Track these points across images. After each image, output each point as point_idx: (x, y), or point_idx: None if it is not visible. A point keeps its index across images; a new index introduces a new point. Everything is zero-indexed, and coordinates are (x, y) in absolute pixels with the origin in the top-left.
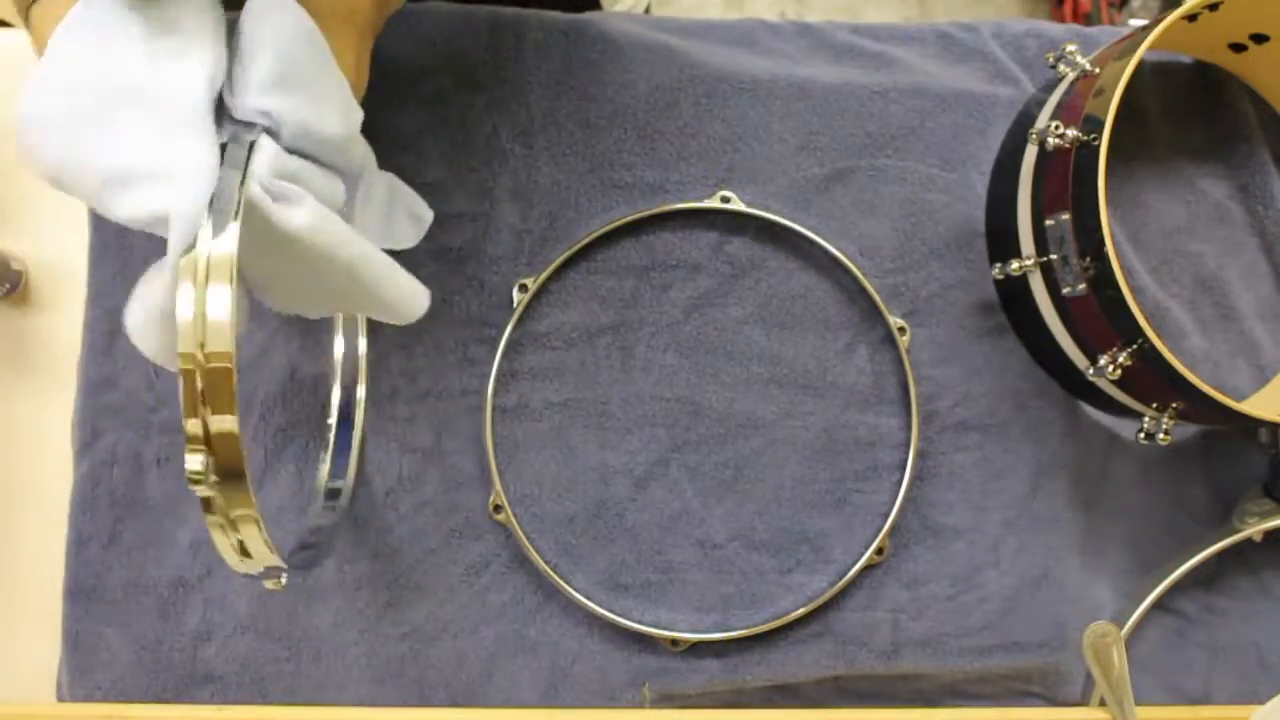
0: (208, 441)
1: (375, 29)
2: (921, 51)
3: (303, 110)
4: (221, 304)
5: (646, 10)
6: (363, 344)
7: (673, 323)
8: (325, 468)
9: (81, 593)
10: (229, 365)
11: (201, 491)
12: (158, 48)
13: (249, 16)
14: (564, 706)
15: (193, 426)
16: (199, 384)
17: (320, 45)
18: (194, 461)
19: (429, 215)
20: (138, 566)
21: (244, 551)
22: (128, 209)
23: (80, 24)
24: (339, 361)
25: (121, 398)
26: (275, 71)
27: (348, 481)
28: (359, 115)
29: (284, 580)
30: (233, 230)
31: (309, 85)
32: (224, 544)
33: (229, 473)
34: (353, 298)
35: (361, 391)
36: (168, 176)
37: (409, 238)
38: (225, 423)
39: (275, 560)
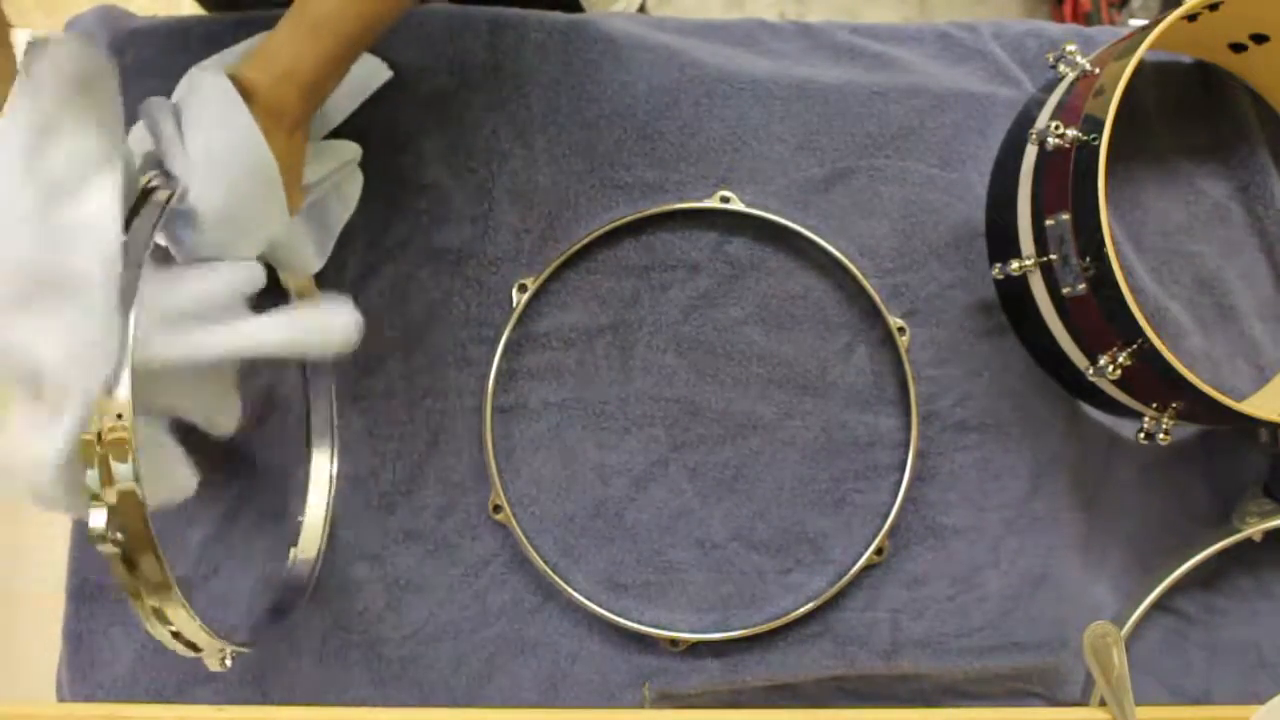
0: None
1: (305, 124)
2: (921, 51)
3: (232, 236)
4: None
5: (640, 10)
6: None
7: (672, 323)
8: (294, 549)
9: (84, 593)
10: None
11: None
12: (56, 219)
13: (202, 123)
14: (564, 706)
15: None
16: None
17: (271, 172)
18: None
19: (357, 187)
20: None
21: (185, 643)
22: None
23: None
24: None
25: None
26: (224, 208)
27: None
28: (284, 222)
29: (228, 661)
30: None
31: (249, 215)
32: (160, 634)
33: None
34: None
35: (334, 467)
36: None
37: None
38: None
39: (218, 644)
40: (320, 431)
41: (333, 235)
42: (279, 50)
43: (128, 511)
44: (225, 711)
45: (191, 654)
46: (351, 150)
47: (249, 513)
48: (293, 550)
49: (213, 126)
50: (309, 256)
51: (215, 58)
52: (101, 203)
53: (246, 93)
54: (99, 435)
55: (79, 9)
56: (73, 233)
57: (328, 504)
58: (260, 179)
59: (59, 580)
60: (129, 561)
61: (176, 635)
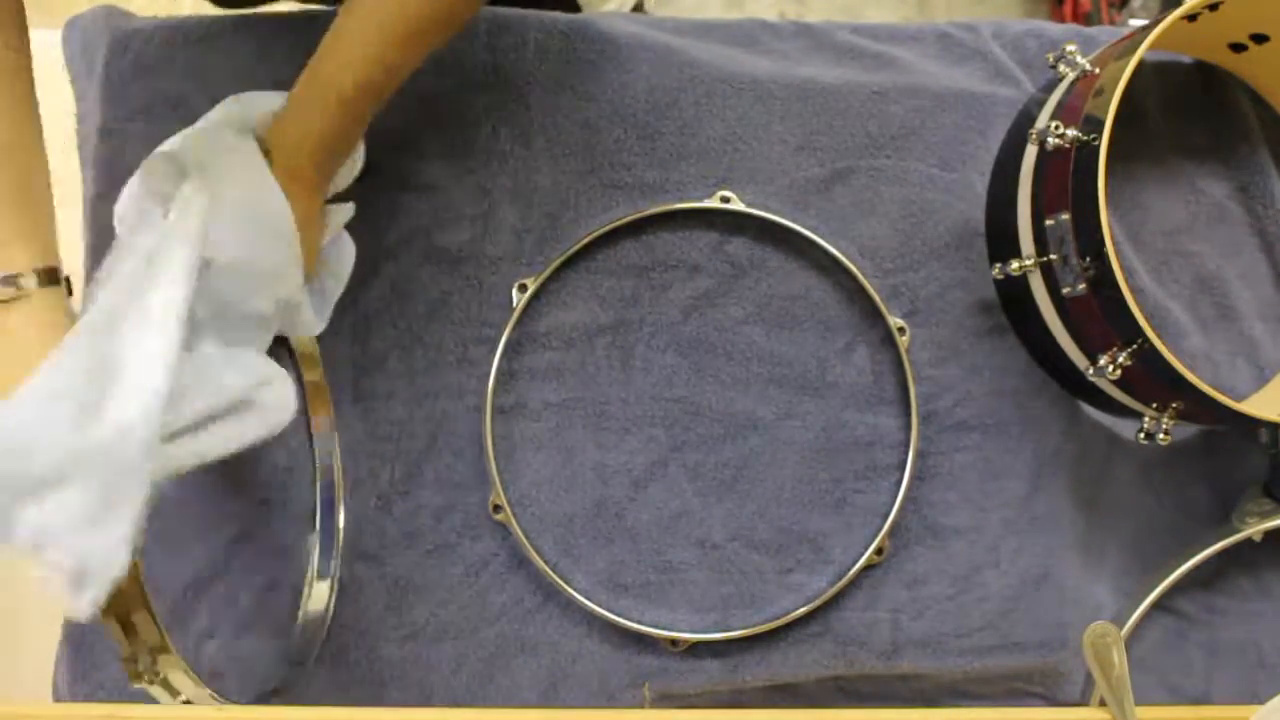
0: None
1: (322, 189)
2: (921, 51)
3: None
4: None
5: (638, 9)
6: (337, 457)
7: (672, 323)
8: (307, 590)
9: None
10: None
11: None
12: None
13: (225, 178)
14: (564, 706)
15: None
16: None
17: (289, 232)
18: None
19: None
20: (148, 567)
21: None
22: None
23: (43, 386)
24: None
25: None
26: (238, 261)
27: (328, 612)
28: (299, 283)
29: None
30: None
31: (263, 271)
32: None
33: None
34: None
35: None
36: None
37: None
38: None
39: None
40: (326, 530)
41: (329, 302)
42: (291, 121)
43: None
44: (225, 711)
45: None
46: (344, 213)
47: (256, 513)
48: (300, 613)
49: (235, 183)
50: (310, 320)
51: (219, 111)
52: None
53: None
54: None
55: (79, 9)
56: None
57: (335, 566)
58: (280, 238)
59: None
60: (124, 623)
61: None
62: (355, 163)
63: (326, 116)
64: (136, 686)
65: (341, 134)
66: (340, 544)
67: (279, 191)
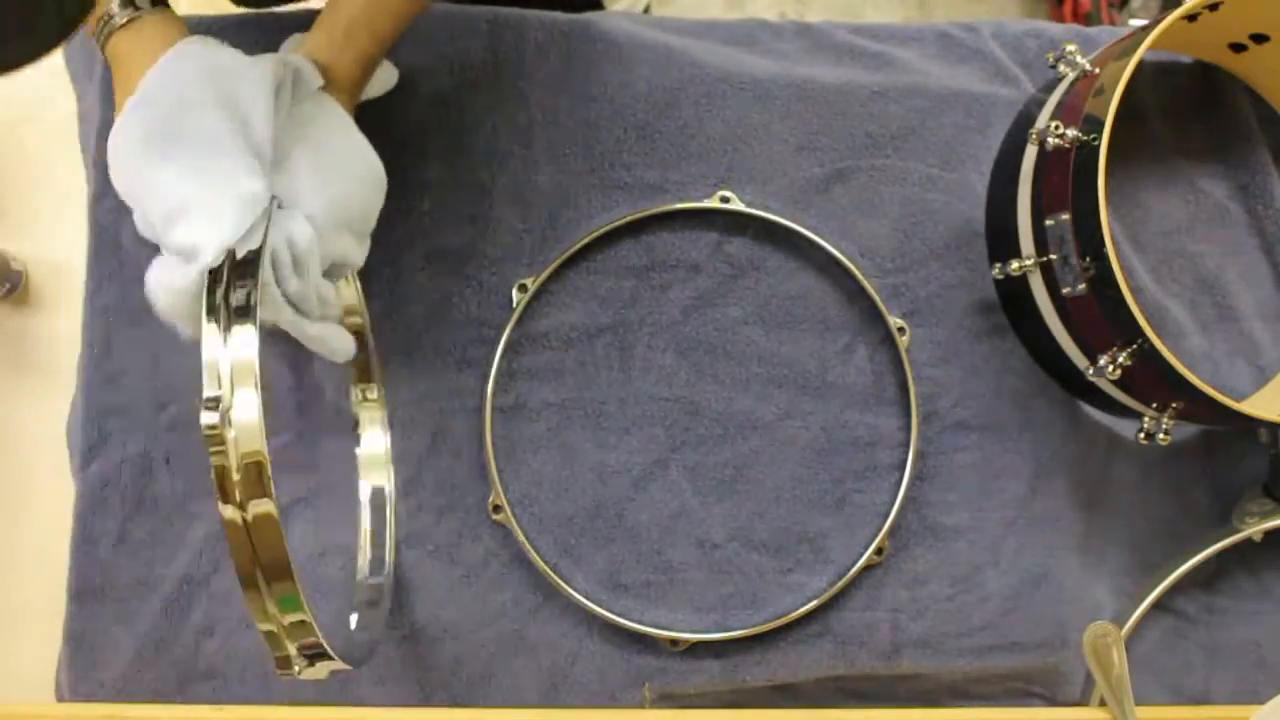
0: (249, 532)
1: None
2: (921, 51)
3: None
4: (249, 407)
5: (646, 10)
6: (388, 439)
7: (672, 323)
8: (363, 561)
9: (88, 592)
10: (261, 459)
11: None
12: (231, 103)
13: (311, 140)
14: (564, 706)
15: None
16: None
17: (380, 175)
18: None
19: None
20: (146, 565)
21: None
22: (177, 239)
23: (167, 74)
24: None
25: (126, 397)
26: (335, 216)
27: (387, 578)
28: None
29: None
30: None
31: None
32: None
33: (274, 570)
34: None
35: (391, 487)
36: (215, 212)
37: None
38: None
39: (337, 664)
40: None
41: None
42: (317, 54)
43: (265, 532)
44: (225, 711)
45: (281, 663)
46: None
47: None
48: (360, 560)
49: (323, 144)
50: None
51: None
52: (260, 79)
53: None
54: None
55: None
56: (234, 89)
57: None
58: (373, 184)
59: (59, 580)
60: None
61: (300, 650)
62: (390, 74)
63: (356, 47)
64: (285, 677)
65: (370, 62)
66: (393, 538)
67: (365, 141)
